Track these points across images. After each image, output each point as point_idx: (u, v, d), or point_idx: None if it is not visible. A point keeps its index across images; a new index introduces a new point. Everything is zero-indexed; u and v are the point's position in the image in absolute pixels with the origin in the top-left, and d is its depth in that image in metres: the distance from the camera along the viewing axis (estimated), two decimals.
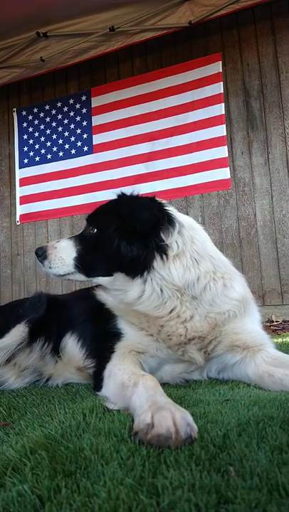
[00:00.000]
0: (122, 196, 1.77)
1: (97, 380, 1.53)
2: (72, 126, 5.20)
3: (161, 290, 1.54)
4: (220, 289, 1.59)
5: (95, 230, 1.71)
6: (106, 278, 1.68)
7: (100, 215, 1.77)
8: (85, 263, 1.73)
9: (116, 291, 1.65)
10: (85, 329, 1.92)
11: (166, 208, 1.68)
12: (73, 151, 5.16)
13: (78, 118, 5.17)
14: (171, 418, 0.94)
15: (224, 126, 4.48)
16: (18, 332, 1.89)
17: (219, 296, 1.58)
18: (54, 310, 2.01)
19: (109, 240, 1.61)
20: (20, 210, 5.39)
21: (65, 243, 1.78)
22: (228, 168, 4.46)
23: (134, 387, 1.21)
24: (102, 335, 1.73)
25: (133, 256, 1.54)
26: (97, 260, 1.69)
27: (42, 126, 5.37)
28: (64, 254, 1.74)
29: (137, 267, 1.55)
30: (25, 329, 1.90)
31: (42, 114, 5.38)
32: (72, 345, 1.91)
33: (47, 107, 5.35)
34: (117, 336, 1.65)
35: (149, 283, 1.55)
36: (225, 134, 4.48)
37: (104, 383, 1.45)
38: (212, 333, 1.57)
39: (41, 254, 1.76)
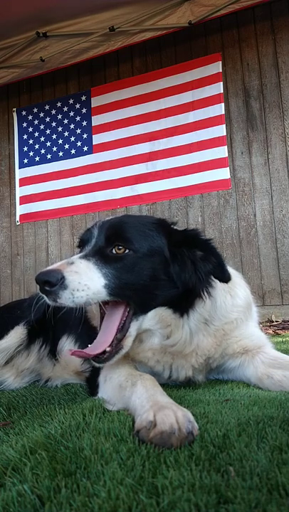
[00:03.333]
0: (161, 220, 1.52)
1: (92, 387, 1.50)
2: (72, 126, 5.20)
3: (195, 326, 1.43)
4: (229, 303, 1.54)
5: (127, 251, 1.36)
6: (147, 315, 1.40)
7: (134, 233, 1.40)
8: (122, 293, 1.33)
9: (157, 330, 1.42)
10: (83, 331, 1.85)
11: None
12: (73, 151, 5.16)
13: (78, 118, 5.17)
14: (174, 416, 0.95)
15: (224, 126, 4.48)
16: (17, 334, 1.88)
17: (228, 309, 1.53)
18: (52, 311, 1.99)
19: (155, 263, 1.37)
20: (20, 210, 5.39)
21: (83, 264, 1.32)
22: (228, 168, 4.46)
23: (133, 387, 1.20)
24: None
25: (185, 285, 1.36)
26: (140, 289, 1.36)
27: (42, 126, 5.37)
28: (89, 279, 1.28)
29: (187, 301, 1.39)
30: (24, 331, 1.89)
31: (42, 114, 5.38)
32: (69, 348, 1.87)
33: (47, 107, 5.36)
34: None
35: (192, 321, 1.41)
36: (225, 134, 4.48)
37: (100, 388, 1.42)
38: (218, 350, 1.51)
39: (56, 282, 1.23)
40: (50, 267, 1.29)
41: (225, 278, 1.41)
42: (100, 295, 1.29)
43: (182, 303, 1.40)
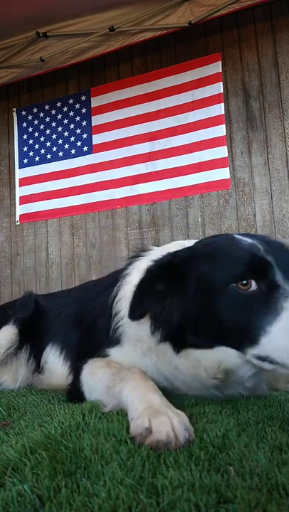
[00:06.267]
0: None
1: (79, 398, 1.39)
2: (71, 126, 5.20)
3: None
4: None
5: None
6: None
7: None
8: None
9: None
10: (70, 337, 1.72)
11: None
12: (73, 151, 5.16)
13: (78, 118, 5.17)
14: (170, 423, 0.92)
15: (224, 126, 4.48)
16: (6, 334, 1.79)
17: None
18: (39, 314, 1.86)
19: None
20: (20, 210, 5.39)
21: None
22: (227, 168, 4.46)
23: (122, 381, 1.16)
24: (87, 348, 1.53)
25: None
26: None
27: (42, 126, 5.37)
28: None
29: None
30: (14, 330, 1.80)
31: (42, 114, 5.37)
32: (53, 359, 1.77)
33: (47, 107, 5.35)
34: (103, 356, 1.44)
35: None
36: (225, 134, 4.48)
37: (90, 398, 1.34)
38: None
39: None
40: None
41: None
42: None
43: None
